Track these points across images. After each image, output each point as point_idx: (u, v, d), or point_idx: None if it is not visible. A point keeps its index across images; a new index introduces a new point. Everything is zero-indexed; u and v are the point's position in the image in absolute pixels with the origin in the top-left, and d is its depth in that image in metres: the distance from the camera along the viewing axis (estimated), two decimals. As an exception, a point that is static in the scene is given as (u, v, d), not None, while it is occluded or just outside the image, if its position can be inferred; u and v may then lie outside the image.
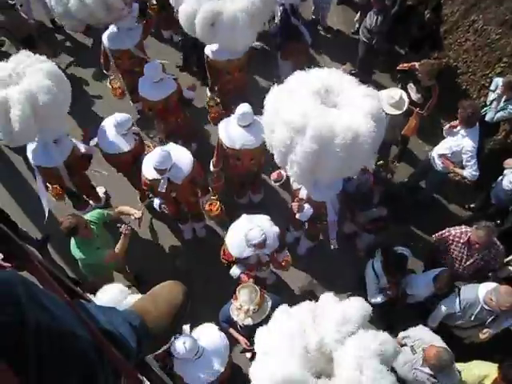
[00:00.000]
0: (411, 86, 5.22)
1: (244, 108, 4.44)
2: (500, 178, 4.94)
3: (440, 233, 4.46)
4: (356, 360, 2.45)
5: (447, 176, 5.37)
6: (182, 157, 4.36)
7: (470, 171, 4.59)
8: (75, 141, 4.94)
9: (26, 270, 1.16)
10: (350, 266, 5.14)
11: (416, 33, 5.80)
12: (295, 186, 4.45)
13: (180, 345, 3.29)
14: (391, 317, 4.41)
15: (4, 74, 4.07)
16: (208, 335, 3.65)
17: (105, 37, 5.42)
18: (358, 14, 6.35)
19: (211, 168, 5.11)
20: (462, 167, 4.71)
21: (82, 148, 4.90)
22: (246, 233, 3.79)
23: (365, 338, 2.56)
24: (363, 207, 4.57)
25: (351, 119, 3.32)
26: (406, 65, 5.09)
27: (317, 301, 2.96)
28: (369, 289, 4.41)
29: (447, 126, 4.83)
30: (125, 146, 4.76)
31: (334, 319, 2.63)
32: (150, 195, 4.81)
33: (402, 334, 3.96)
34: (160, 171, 4.21)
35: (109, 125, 4.77)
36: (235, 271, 4.21)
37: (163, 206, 4.67)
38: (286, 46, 5.69)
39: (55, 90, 4.03)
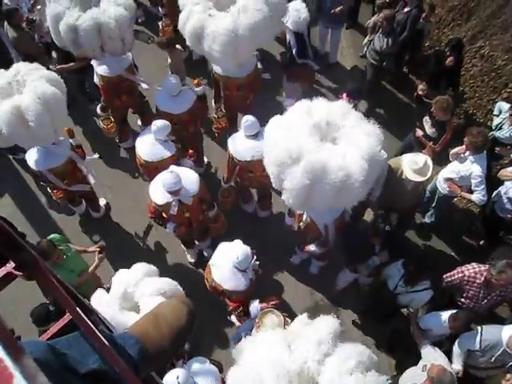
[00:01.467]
0: (426, 120, 5.25)
1: (248, 118, 4.53)
2: (501, 190, 4.85)
3: (451, 273, 4.33)
4: (340, 377, 2.47)
5: (452, 199, 5.38)
6: (188, 177, 4.36)
7: (478, 196, 4.61)
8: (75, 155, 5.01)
9: (36, 279, 1.21)
10: (353, 287, 5.13)
11: (433, 67, 5.81)
12: (304, 217, 4.51)
13: (173, 378, 3.16)
14: (408, 341, 4.35)
15: (4, 82, 4.23)
16: (202, 370, 3.58)
17: (98, 67, 5.39)
18: (367, 37, 6.47)
19: (222, 184, 5.20)
20: (470, 191, 4.72)
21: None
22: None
23: (343, 355, 2.59)
24: (364, 260, 4.47)
25: (345, 158, 3.35)
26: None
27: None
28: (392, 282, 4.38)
29: (454, 150, 4.84)
30: (166, 152, 4.76)
31: (309, 342, 2.64)
32: (158, 221, 4.74)
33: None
34: (173, 193, 4.18)
35: (147, 132, 4.81)
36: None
37: (176, 228, 4.67)
38: (292, 69, 5.75)
39: (59, 93, 4.21)
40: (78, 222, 5.89)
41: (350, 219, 4.88)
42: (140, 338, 1.29)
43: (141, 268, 3.79)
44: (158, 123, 4.63)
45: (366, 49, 6.32)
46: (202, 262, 5.29)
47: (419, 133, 5.23)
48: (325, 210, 3.80)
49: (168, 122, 4.69)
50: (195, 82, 5.26)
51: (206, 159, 6.07)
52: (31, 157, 4.74)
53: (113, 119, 5.97)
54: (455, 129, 5.16)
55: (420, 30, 6.26)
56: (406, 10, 6.03)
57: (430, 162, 4.56)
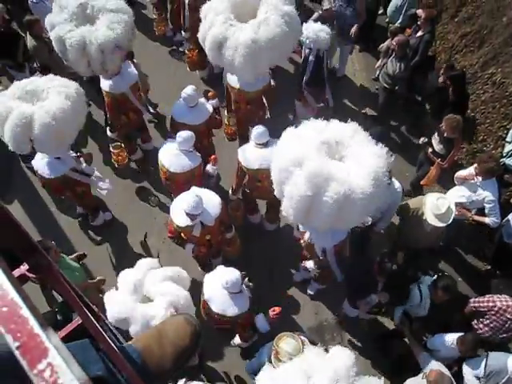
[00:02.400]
0: (435, 137, 5.29)
1: (259, 128, 4.63)
2: (510, 217, 4.86)
3: (481, 300, 4.31)
4: None
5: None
6: (210, 199, 4.35)
7: (493, 219, 4.64)
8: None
9: (49, 283, 1.22)
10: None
11: (437, 100, 5.91)
12: (301, 228, 4.52)
13: None
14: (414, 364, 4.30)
15: (21, 90, 4.34)
16: None
17: (103, 83, 5.38)
18: (380, 60, 6.55)
19: (230, 194, 5.26)
20: (482, 214, 4.74)
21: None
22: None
23: None
24: (363, 296, 4.44)
25: (349, 175, 3.37)
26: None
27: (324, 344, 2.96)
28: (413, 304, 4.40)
29: (460, 174, 4.84)
30: (192, 162, 4.76)
31: (327, 377, 2.59)
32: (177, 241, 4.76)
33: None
34: (193, 216, 4.17)
35: (170, 144, 4.85)
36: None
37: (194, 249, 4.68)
38: (306, 89, 5.76)
39: (71, 113, 4.28)
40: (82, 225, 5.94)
41: (355, 252, 4.88)
42: (141, 353, 1.28)
43: (144, 262, 3.95)
44: (183, 134, 4.64)
45: (378, 72, 6.40)
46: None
47: (428, 150, 5.27)
48: (325, 228, 3.73)
49: (192, 133, 4.70)
50: (210, 94, 5.34)
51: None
52: (37, 159, 4.82)
53: (123, 146, 5.91)
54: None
55: (432, 56, 6.34)
56: (418, 34, 6.11)
57: (453, 207, 4.52)
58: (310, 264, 4.82)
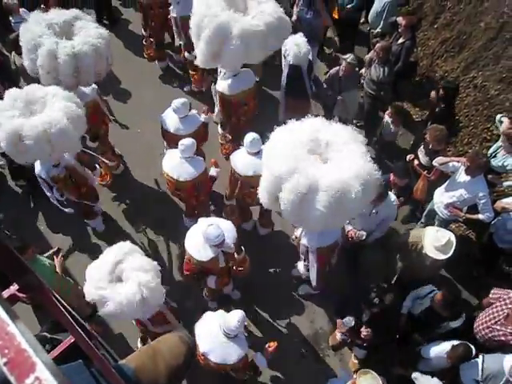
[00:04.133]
0: (421, 150, 5.36)
1: (252, 136, 4.69)
2: (497, 222, 4.92)
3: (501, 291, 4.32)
4: None
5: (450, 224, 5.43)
6: (224, 226, 4.21)
7: (487, 214, 4.68)
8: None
9: (40, 302, 1.24)
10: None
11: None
12: (298, 232, 4.56)
13: None
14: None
15: (21, 102, 4.36)
16: None
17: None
18: (363, 70, 6.62)
19: (225, 201, 5.33)
20: (475, 212, 4.79)
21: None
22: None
23: None
24: (342, 316, 4.40)
25: (338, 177, 3.42)
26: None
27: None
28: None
29: (443, 160, 4.86)
30: (198, 169, 4.82)
31: None
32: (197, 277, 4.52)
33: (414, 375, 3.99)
34: (218, 246, 4.05)
35: (172, 153, 4.88)
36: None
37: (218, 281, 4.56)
38: (288, 102, 5.81)
39: (70, 127, 4.29)
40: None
41: (347, 265, 4.98)
42: (135, 371, 1.29)
43: (126, 245, 3.88)
44: (185, 142, 4.69)
45: (362, 80, 6.48)
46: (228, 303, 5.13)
47: (415, 162, 5.31)
48: (320, 227, 3.78)
49: (193, 140, 4.78)
50: (203, 110, 5.42)
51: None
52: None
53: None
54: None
55: (414, 62, 6.45)
56: (400, 41, 6.23)
57: (453, 239, 4.46)
58: (300, 266, 4.83)
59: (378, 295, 4.28)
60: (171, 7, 6.20)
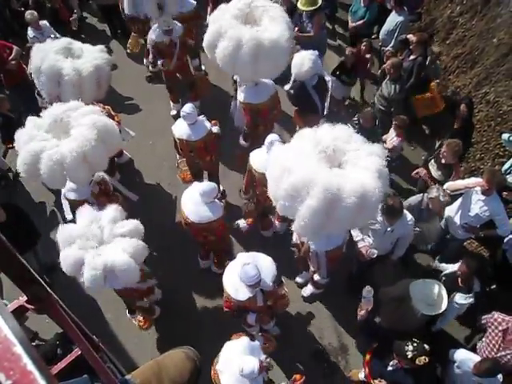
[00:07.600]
0: (432, 163, 5.31)
1: (272, 137, 4.75)
2: (510, 238, 4.82)
3: (486, 316, 4.28)
4: None
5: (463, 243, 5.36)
6: (264, 263, 4.05)
7: (505, 229, 4.67)
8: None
9: (47, 314, 1.24)
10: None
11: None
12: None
13: None
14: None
15: (51, 121, 4.50)
16: None
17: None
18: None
19: (241, 195, 5.52)
20: (490, 227, 4.77)
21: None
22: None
23: None
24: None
25: (358, 180, 3.47)
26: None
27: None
28: None
29: (460, 185, 4.80)
30: (214, 214, 4.69)
31: None
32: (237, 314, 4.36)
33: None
34: (255, 285, 3.88)
35: (192, 192, 4.75)
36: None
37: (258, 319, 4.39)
38: (298, 114, 5.86)
39: (101, 144, 4.43)
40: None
41: (355, 276, 4.93)
42: None
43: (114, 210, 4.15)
44: (204, 187, 4.57)
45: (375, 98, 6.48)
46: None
47: (421, 172, 5.19)
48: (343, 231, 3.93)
49: (215, 185, 4.70)
50: (213, 122, 5.48)
51: (221, 187, 6.05)
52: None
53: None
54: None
55: (425, 77, 6.44)
56: (411, 57, 6.24)
57: (444, 293, 4.20)
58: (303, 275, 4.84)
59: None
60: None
